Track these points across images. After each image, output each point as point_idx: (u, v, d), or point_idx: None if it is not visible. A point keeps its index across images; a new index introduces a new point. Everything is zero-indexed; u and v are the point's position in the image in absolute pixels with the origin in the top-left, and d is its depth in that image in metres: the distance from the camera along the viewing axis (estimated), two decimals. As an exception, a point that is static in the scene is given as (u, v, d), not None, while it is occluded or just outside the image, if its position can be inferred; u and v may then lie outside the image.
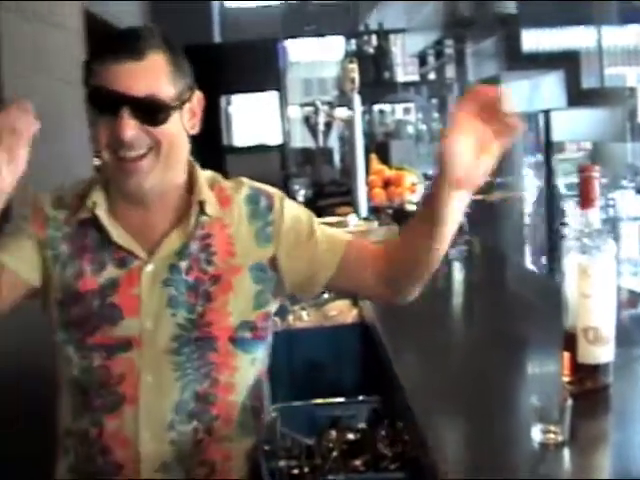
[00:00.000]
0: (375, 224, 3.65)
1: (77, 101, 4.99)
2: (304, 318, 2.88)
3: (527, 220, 5.35)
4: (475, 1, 6.73)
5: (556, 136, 5.37)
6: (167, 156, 1.69)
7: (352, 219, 3.77)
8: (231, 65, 7.50)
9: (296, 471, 1.67)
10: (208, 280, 1.73)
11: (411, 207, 3.95)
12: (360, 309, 2.73)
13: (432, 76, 8.11)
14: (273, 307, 1.83)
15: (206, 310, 1.72)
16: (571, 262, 1.52)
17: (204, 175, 1.83)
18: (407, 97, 8.20)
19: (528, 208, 5.33)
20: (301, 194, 5.16)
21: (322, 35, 10.04)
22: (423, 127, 8.13)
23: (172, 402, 1.70)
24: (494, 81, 5.32)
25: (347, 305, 2.85)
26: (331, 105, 5.68)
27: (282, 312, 2.86)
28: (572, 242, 1.53)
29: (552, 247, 4.82)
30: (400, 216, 3.73)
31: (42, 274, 1.76)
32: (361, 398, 2.13)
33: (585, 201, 1.51)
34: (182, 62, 1.74)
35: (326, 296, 2.96)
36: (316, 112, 5.17)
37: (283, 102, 7.61)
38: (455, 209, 1.58)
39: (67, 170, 4.10)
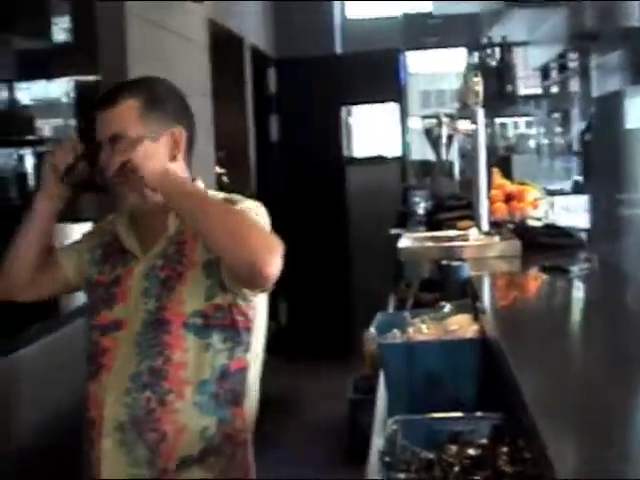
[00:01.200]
0: (496, 239, 3.62)
1: (200, 110, 5.13)
2: (423, 331, 2.87)
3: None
4: (600, 14, 6.63)
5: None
6: (139, 182, 2.04)
7: (473, 233, 3.76)
8: (352, 76, 7.55)
9: (416, 484, 1.68)
10: (175, 276, 2.12)
11: (533, 222, 3.92)
12: (481, 324, 2.72)
13: (554, 89, 8.00)
14: (224, 300, 2.09)
15: (167, 300, 2.10)
16: None
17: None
18: (529, 111, 8.11)
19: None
20: (421, 207, 5.16)
21: (444, 47, 10.00)
22: (545, 141, 8.02)
23: (130, 372, 2.08)
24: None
25: (468, 319, 2.83)
26: (452, 118, 5.65)
27: (402, 325, 2.87)
28: None
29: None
30: (522, 231, 3.70)
31: (80, 275, 2.30)
32: (480, 414, 2.12)
33: None
34: (160, 105, 2.15)
35: (446, 310, 2.96)
36: (439, 124, 5.17)
37: (403, 114, 7.63)
38: None
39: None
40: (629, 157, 5.61)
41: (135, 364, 2.08)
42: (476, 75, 3.97)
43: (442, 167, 5.65)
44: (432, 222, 4.54)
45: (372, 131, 7.50)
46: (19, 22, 4.72)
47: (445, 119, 5.24)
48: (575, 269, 3.10)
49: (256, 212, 2.12)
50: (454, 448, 1.77)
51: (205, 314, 2.08)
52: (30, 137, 5.17)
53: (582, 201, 5.56)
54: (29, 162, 5.19)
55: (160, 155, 2.10)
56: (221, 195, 2.22)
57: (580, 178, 6.87)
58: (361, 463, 2.25)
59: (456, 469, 1.72)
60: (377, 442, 2.27)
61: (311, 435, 5.74)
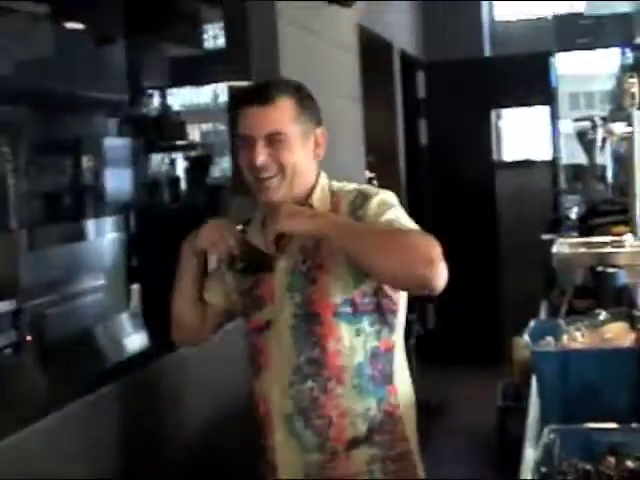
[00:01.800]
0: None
1: (350, 115, 5.16)
2: (578, 339, 2.82)
3: None
4: None
5: None
6: (291, 177, 2.17)
7: (628, 239, 3.66)
8: (501, 79, 7.46)
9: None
10: (315, 268, 2.18)
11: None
12: (638, 333, 2.65)
13: None
14: (371, 286, 2.17)
15: (312, 292, 2.17)
16: None
17: (329, 187, 2.29)
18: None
19: None
20: (573, 212, 5.05)
21: (596, 48, 9.78)
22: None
23: (290, 366, 2.19)
24: None
25: (624, 328, 2.77)
26: (605, 120, 5.51)
27: (556, 332, 2.82)
28: None
29: None
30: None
31: (232, 297, 2.42)
32: (636, 425, 2.07)
33: None
34: (308, 105, 2.23)
35: (602, 318, 2.90)
36: (593, 128, 5.05)
37: (554, 116, 7.49)
38: None
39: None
40: None
41: (294, 357, 2.19)
42: (632, 76, 3.86)
43: (595, 171, 5.52)
44: (585, 228, 4.44)
45: (522, 134, 7.37)
46: (171, 29, 4.87)
47: (599, 122, 5.11)
48: None
49: (391, 203, 2.19)
50: (612, 460, 1.73)
51: (354, 302, 2.17)
52: (181, 142, 5.32)
53: None
54: (180, 166, 5.35)
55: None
56: (352, 186, 2.28)
57: None
58: (510, 472, 2.23)
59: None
60: (530, 451, 2.24)
61: (458, 440, 5.70)
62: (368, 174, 5.79)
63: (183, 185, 5.27)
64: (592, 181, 5.58)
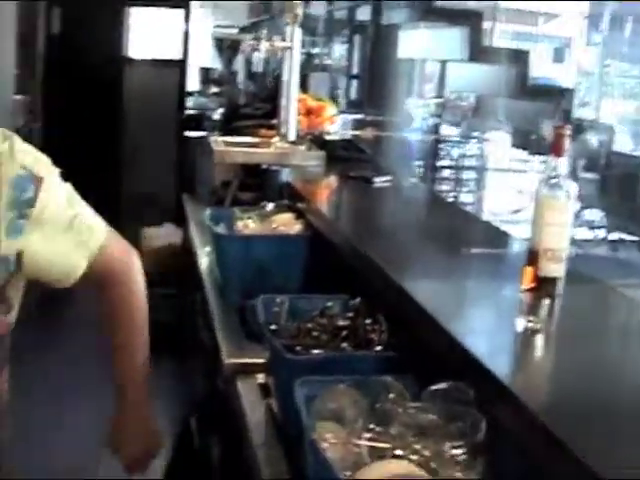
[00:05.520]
0: (302, 147, 3.97)
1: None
2: (250, 226, 3.19)
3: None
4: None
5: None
6: None
7: (277, 141, 4.09)
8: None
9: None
10: None
11: (329, 137, 4.29)
12: (304, 223, 3.07)
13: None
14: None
15: None
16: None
17: None
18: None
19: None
20: (217, 112, 5.37)
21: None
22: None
23: None
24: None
25: (291, 218, 3.17)
26: (245, 30, 5.90)
27: (229, 220, 3.18)
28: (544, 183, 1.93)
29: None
30: (321, 144, 4.07)
31: None
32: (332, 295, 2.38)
33: (557, 151, 1.92)
34: None
35: (268, 209, 3.30)
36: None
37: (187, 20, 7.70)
38: None
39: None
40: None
41: None
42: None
43: (231, 77, 5.90)
44: (230, 129, 4.78)
45: (154, 34, 7.52)
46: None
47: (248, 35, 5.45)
48: (378, 180, 3.51)
49: (68, 190, 1.77)
50: (325, 320, 2.11)
51: None
52: None
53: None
54: None
55: None
56: None
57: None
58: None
59: (325, 336, 2.06)
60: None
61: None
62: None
63: None
64: (229, 86, 5.96)
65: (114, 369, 1.99)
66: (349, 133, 4.36)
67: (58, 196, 1.71)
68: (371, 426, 1.56)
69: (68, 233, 1.74)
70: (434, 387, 1.62)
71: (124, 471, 2.01)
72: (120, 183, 7.46)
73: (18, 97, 5.40)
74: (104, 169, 7.31)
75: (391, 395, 1.63)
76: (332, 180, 3.63)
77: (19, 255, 1.67)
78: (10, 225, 1.63)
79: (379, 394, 1.64)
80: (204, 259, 3.51)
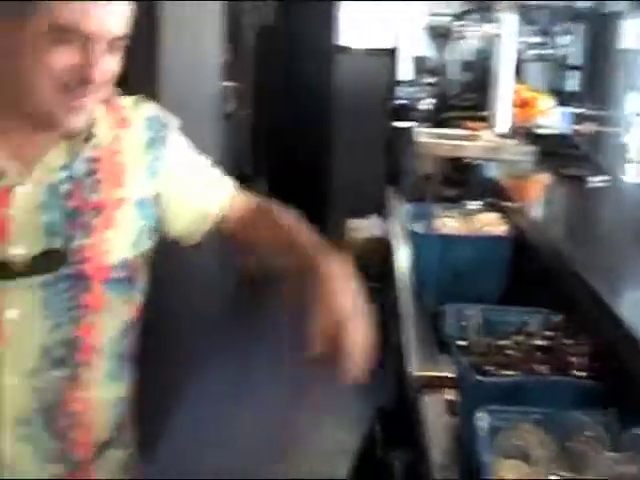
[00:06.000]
0: (512, 142, 3.72)
1: None
2: (450, 225, 2.98)
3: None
4: None
5: None
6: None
7: (485, 134, 3.85)
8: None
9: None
10: (91, 210, 1.53)
11: (544, 130, 4.00)
12: (509, 223, 2.83)
13: None
14: (149, 247, 1.66)
15: (83, 245, 1.52)
16: None
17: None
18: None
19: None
20: (425, 103, 5.20)
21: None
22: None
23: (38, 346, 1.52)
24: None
25: (496, 218, 2.93)
26: (458, 18, 5.68)
27: (428, 217, 2.98)
28: None
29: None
30: (534, 138, 3.80)
31: None
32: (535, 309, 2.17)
33: None
34: None
35: (472, 207, 3.08)
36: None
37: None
38: None
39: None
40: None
41: (45, 333, 1.53)
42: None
43: (446, 66, 5.70)
44: (439, 120, 4.61)
45: (365, 23, 7.39)
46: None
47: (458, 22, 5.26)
48: (592, 179, 3.22)
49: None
50: (521, 338, 1.89)
51: (132, 266, 1.62)
52: None
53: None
54: None
55: None
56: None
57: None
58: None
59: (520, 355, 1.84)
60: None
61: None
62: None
63: None
64: (442, 76, 5.76)
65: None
66: (568, 127, 4.05)
67: (184, 140, 1.73)
68: (561, 473, 1.34)
69: (201, 175, 1.74)
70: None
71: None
72: (329, 172, 7.40)
73: (228, 84, 5.42)
74: (313, 157, 7.27)
75: (586, 433, 1.41)
76: (542, 178, 3.36)
77: (156, 199, 1.65)
78: (150, 166, 1.63)
79: (572, 432, 1.41)
80: (403, 256, 3.34)
